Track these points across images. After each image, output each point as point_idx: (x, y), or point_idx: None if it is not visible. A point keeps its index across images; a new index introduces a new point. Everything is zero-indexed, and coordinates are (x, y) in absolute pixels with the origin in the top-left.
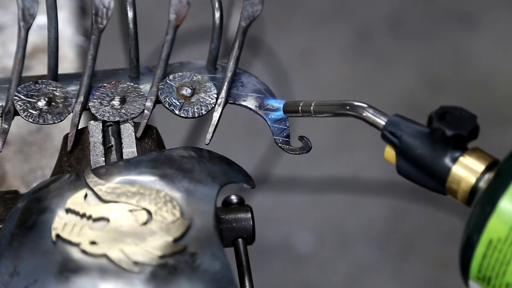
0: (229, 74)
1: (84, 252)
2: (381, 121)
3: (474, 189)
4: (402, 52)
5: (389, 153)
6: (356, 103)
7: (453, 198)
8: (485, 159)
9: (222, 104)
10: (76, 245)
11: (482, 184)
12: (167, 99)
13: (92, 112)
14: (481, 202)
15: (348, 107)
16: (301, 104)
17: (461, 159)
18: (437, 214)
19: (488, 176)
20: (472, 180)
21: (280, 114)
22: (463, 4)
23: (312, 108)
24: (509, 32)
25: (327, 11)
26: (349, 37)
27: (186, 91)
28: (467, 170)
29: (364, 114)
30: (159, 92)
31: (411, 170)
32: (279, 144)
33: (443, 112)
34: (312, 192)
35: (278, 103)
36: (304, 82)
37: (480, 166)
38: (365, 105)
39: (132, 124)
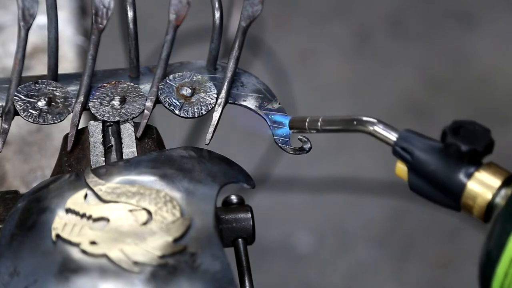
0: (229, 74)
1: (84, 252)
2: (392, 137)
3: (490, 205)
4: (402, 52)
5: (401, 168)
6: (364, 118)
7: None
8: (501, 174)
9: (222, 104)
10: (76, 245)
11: (499, 200)
12: (167, 99)
13: (92, 112)
14: (501, 219)
15: (356, 122)
16: (307, 120)
17: (477, 174)
18: (437, 214)
19: (505, 192)
20: (489, 196)
21: (285, 130)
22: (463, 4)
23: (319, 124)
24: (509, 32)
25: (327, 11)
26: (349, 37)
27: (186, 91)
28: (482, 186)
29: (373, 130)
30: (159, 92)
31: (424, 186)
32: (279, 144)
33: (457, 126)
34: (312, 192)
35: (284, 119)
36: (304, 82)
37: (496, 182)
38: (374, 120)
39: (132, 124)
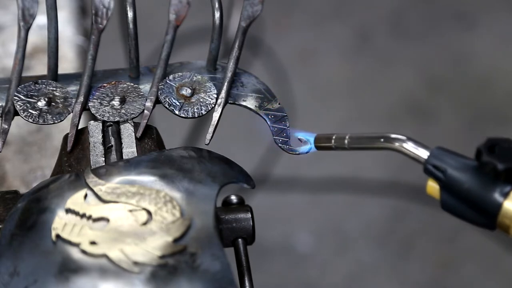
0: (229, 74)
1: (84, 252)
2: (423, 154)
3: None
4: (402, 52)
5: (432, 187)
6: (393, 136)
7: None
8: None
9: (222, 104)
10: (76, 245)
11: None
12: (167, 99)
13: (92, 112)
14: None
15: (384, 140)
16: (334, 137)
17: None
18: (437, 214)
19: None
20: None
21: (310, 147)
22: (463, 4)
23: (346, 141)
24: (509, 32)
25: (327, 11)
26: (349, 37)
27: (186, 91)
28: None
29: (403, 147)
30: (159, 92)
31: (457, 205)
32: (279, 144)
33: (492, 144)
34: (312, 192)
35: (308, 136)
36: (304, 82)
37: None
38: (403, 138)
39: (132, 124)
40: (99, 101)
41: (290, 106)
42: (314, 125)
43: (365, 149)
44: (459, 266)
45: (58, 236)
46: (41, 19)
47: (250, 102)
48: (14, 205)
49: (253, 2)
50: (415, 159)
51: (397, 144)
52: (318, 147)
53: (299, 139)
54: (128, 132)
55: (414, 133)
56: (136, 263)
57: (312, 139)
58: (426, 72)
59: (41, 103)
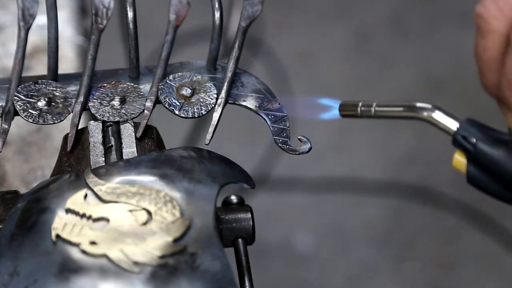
0: (229, 74)
1: (84, 252)
2: (452, 125)
3: None
4: (402, 52)
5: (458, 161)
6: (421, 105)
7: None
8: None
9: (222, 104)
10: (76, 245)
11: None
12: (167, 99)
13: (92, 112)
14: None
15: (412, 109)
16: (360, 105)
17: None
18: (437, 214)
19: None
20: None
21: (334, 114)
22: (463, 4)
23: (373, 110)
24: None
25: (327, 11)
26: (349, 37)
27: (186, 91)
28: None
29: (431, 117)
30: (159, 92)
31: (484, 180)
32: (279, 144)
33: None
34: (312, 192)
35: (333, 103)
36: (304, 82)
37: None
38: (431, 107)
39: (132, 124)
40: (99, 101)
41: None
42: (314, 125)
43: (392, 117)
44: (459, 266)
45: (58, 236)
46: (41, 19)
47: (250, 102)
48: (14, 205)
49: (253, 2)
50: (444, 129)
51: (425, 113)
52: (343, 115)
53: (299, 139)
54: (128, 132)
55: (414, 133)
56: (136, 263)
57: (336, 106)
58: (426, 72)
59: (41, 103)
